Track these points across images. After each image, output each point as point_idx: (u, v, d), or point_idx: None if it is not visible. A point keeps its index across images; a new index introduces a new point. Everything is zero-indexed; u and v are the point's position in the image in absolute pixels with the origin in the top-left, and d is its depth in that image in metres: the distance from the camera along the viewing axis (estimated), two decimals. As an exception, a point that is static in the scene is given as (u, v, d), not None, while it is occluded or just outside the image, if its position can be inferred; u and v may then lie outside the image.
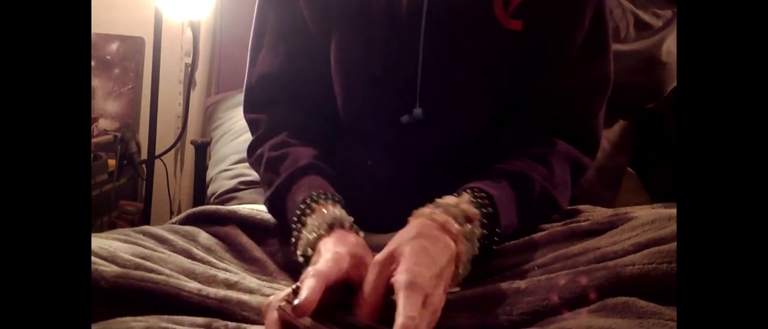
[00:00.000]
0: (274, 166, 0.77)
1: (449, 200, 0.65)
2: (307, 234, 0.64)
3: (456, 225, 0.62)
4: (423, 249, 0.57)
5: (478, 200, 0.66)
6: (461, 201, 0.65)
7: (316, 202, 0.68)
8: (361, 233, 0.67)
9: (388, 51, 0.78)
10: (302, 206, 0.68)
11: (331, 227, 0.64)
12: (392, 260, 0.57)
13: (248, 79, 0.85)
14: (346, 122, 0.83)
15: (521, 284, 0.59)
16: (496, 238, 0.67)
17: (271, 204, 0.77)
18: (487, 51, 0.76)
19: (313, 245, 0.63)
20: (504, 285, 0.60)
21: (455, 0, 0.75)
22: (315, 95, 0.82)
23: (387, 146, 0.81)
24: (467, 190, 0.68)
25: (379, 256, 0.58)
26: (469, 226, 0.63)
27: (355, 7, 0.78)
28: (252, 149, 0.83)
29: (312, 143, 0.79)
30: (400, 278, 0.54)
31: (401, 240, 0.59)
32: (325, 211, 0.66)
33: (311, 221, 0.66)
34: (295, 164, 0.75)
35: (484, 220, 0.65)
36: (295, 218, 0.68)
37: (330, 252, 0.59)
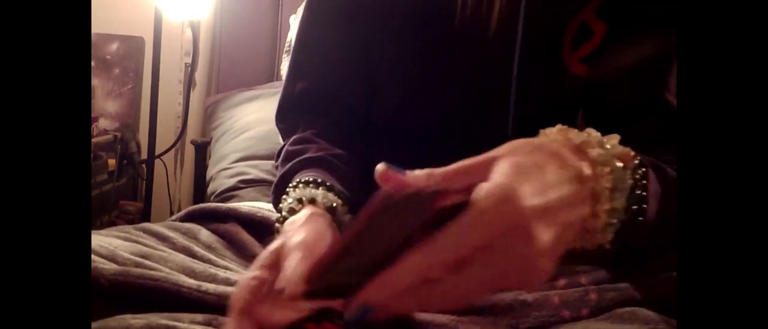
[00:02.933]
0: (290, 157, 0.73)
1: (593, 132, 0.48)
2: (284, 212, 0.62)
3: (597, 151, 0.45)
4: (532, 164, 0.41)
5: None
6: (611, 136, 0.47)
7: (306, 184, 0.64)
8: (345, 215, 0.62)
9: (472, 91, 0.71)
10: (290, 186, 0.65)
11: (301, 202, 0.61)
12: (474, 171, 0.41)
13: (288, 88, 0.82)
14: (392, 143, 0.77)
15: (527, 297, 0.57)
16: (640, 217, 0.48)
17: (274, 194, 0.73)
18: (554, 92, 0.72)
19: (282, 222, 0.60)
20: (509, 296, 0.57)
21: (537, 36, 0.69)
22: (359, 113, 0.80)
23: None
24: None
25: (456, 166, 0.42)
26: (619, 164, 0.46)
27: (432, 25, 0.73)
28: (280, 151, 0.79)
29: (339, 145, 0.76)
30: (476, 192, 0.39)
31: (501, 151, 0.43)
32: (305, 190, 0.63)
33: (288, 199, 0.63)
34: (307, 154, 0.72)
35: (637, 175, 0.47)
36: (281, 201, 0.64)
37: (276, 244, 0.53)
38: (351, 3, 0.78)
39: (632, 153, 0.48)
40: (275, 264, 0.51)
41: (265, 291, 0.49)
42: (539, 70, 0.70)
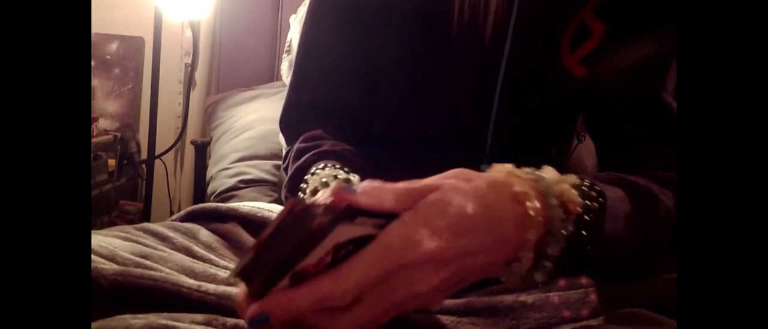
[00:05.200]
0: (302, 153, 0.73)
1: (549, 172, 0.49)
2: (309, 187, 0.60)
3: (532, 205, 0.45)
4: (457, 205, 0.42)
5: (585, 188, 0.51)
6: (565, 179, 0.49)
7: (332, 168, 0.63)
8: None
9: (463, 85, 0.73)
10: (312, 170, 0.64)
11: (327, 184, 0.60)
12: (417, 195, 0.42)
13: (292, 94, 0.82)
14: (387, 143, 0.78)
15: (527, 298, 0.57)
16: (589, 244, 0.51)
17: (287, 187, 0.72)
18: (552, 93, 0.73)
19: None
20: (509, 298, 0.57)
21: (532, 37, 0.70)
22: (359, 113, 0.80)
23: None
24: (576, 176, 0.52)
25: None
26: (560, 211, 0.47)
27: (431, 25, 0.74)
28: (287, 153, 0.79)
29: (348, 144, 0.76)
30: (388, 228, 0.41)
31: (446, 179, 0.44)
32: (334, 170, 0.62)
33: (314, 177, 0.62)
34: (324, 148, 0.71)
35: (585, 216, 0.50)
36: (303, 184, 0.63)
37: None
38: (352, 4, 0.78)
39: (577, 198, 0.49)
40: None
41: None
42: (533, 72, 0.70)
